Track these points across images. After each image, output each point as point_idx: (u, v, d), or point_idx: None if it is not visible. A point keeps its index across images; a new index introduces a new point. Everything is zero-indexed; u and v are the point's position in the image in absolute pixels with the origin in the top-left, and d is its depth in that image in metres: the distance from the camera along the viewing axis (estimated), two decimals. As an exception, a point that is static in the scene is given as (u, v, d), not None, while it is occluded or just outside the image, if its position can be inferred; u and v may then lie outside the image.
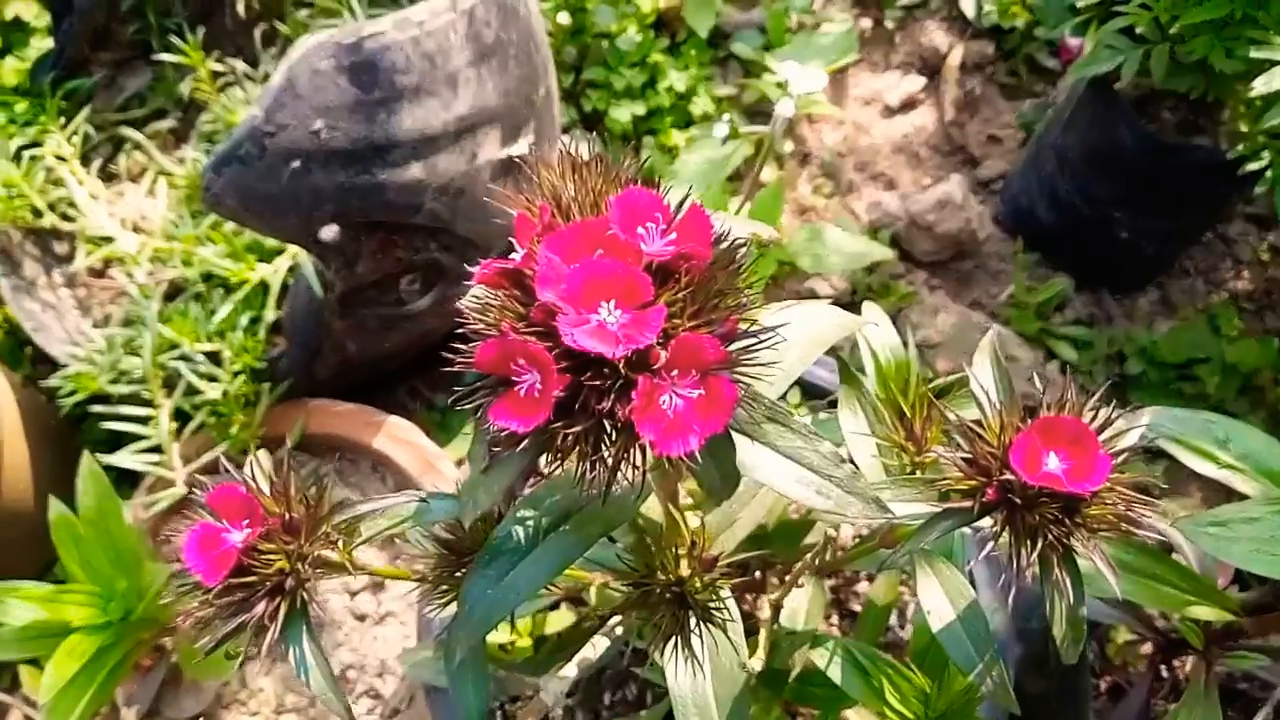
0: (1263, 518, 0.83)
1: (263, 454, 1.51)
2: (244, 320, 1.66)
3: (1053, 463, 0.63)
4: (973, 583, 1.21)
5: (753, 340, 0.62)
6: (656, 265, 0.61)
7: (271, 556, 0.65)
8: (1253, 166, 1.55)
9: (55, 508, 1.42)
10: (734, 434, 0.66)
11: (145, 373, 1.60)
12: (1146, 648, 1.51)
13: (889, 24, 2.37)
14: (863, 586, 1.45)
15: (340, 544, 0.72)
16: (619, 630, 1.11)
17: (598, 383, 0.58)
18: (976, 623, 0.80)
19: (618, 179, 0.66)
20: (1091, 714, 1.44)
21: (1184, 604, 1.14)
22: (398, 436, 1.71)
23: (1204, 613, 1.14)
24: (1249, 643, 1.26)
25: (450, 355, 0.61)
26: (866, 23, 2.39)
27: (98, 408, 1.64)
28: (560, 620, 1.30)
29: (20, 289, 1.85)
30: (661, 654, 0.76)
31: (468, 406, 0.62)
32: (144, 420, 1.60)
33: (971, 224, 2.05)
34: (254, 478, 0.69)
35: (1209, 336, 1.94)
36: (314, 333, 1.64)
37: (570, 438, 0.59)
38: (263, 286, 1.69)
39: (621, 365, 0.58)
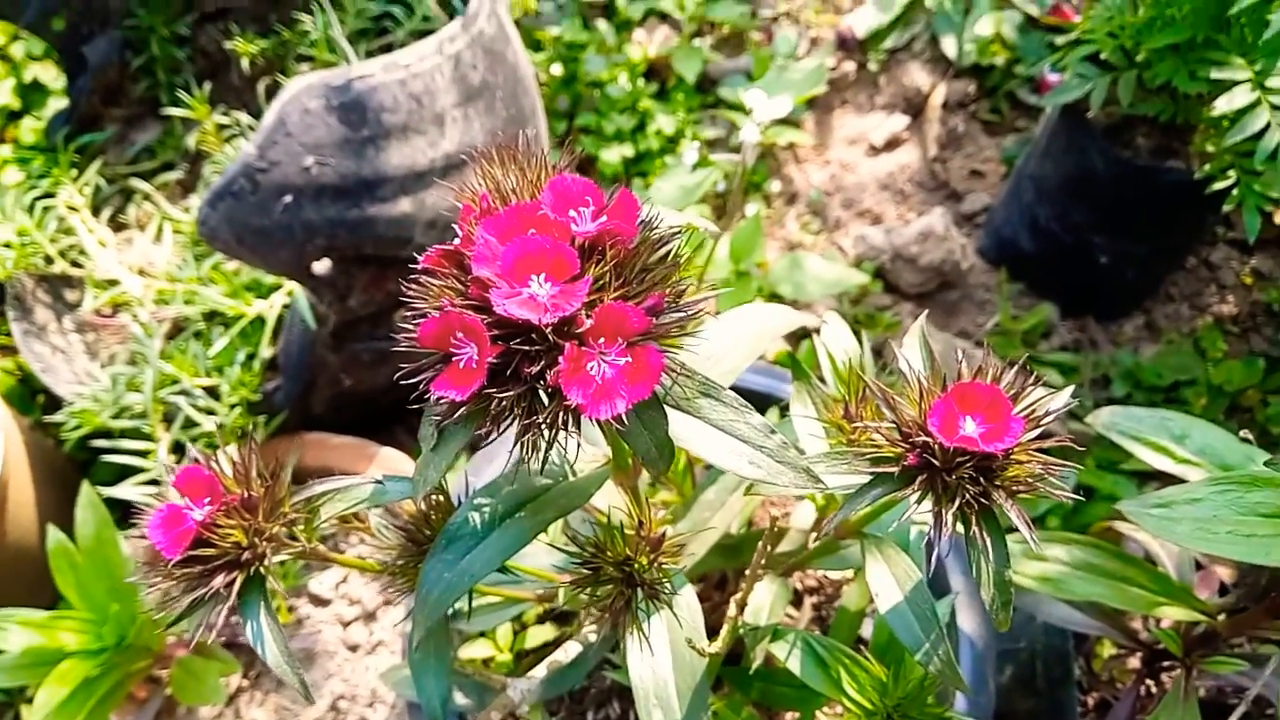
0: (1205, 498, 0.85)
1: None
2: (241, 355, 1.71)
3: (969, 426, 0.66)
4: (945, 576, 1.24)
5: (679, 314, 0.66)
6: (587, 244, 0.66)
7: (230, 531, 0.69)
8: (1219, 185, 1.58)
9: (54, 536, 1.46)
10: (668, 408, 0.70)
11: (146, 407, 1.65)
12: (1133, 662, 1.50)
13: (872, 66, 2.45)
14: (845, 603, 1.45)
15: (302, 525, 0.75)
16: (593, 639, 1.13)
17: (527, 348, 0.62)
18: (923, 604, 0.81)
19: (556, 170, 0.71)
20: (1080, 730, 1.43)
21: (1153, 605, 1.15)
22: (393, 469, 1.75)
23: (1173, 613, 1.14)
24: (1229, 650, 1.27)
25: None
26: (850, 66, 2.46)
27: (100, 442, 1.69)
28: (541, 635, 1.31)
29: (31, 333, 1.92)
30: (612, 634, 0.78)
31: (416, 388, 0.66)
32: (144, 454, 1.65)
33: (955, 255, 2.08)
34: (218, 462, 0.73)
35: (1194, 359, 1.95)
36: (308, 366, 1.68)
37: (505, 402, 0.63)
38: (260, 322, 1.75)
39: (550, 332, 0.61)
